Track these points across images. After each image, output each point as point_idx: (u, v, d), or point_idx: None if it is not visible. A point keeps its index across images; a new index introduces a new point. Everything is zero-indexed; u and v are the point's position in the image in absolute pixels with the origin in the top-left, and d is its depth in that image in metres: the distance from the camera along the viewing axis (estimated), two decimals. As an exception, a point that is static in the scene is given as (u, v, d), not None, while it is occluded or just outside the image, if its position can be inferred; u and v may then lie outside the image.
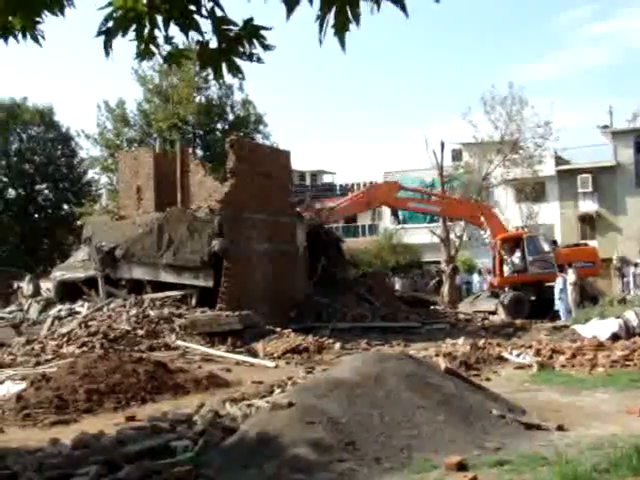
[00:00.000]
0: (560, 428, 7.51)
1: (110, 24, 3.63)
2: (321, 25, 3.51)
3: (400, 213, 28.54)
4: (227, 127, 39.74)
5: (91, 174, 45.97)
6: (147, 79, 39.35)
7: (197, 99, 39.48)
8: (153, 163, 23.66)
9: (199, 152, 39.29)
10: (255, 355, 15.29)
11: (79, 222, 24.91)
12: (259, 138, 40.34)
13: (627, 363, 12.37)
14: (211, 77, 35.57)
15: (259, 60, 3.89)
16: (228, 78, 4.04)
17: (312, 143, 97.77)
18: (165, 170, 23.50)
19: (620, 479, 5.18)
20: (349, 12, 3.52)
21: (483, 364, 13.20)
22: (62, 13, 3.86)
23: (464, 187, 35.23)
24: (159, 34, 3.73)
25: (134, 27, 3.65)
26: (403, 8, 3.46)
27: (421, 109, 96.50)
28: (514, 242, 25.50)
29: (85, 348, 15.56)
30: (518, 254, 25.08)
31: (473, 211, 26.50)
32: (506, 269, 25.29)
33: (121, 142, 39.46)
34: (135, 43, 3.75)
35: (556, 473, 5.25)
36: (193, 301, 19.43)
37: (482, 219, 25.69)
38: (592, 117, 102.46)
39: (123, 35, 3.67)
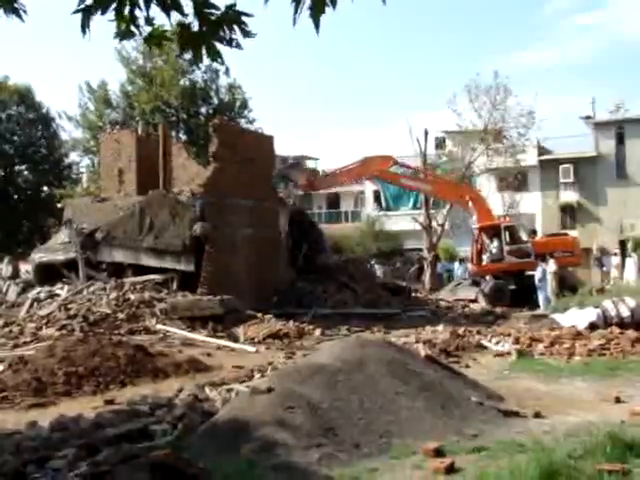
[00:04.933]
0: (537, 415, 7.59)
1: (89, 1, 3.57)
2: (297, 6, 3.47)
3: (383, 200, 28.69)
4: (211, 111, 39.50)
5: (72, 156, 45.58)
6: (130, 60, 38.96)
7: (181, 82, 39.17)
8: (135, 145, 23.45)
9: (182, 136, 39.02)
10: (236, 340, 15.28)
11: (59, 204, 24.69)
12: (243, 123, 40.17)
13: (604, 352, 12.51)
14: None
15: (238, 46, 3.84)
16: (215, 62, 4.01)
17: (296, 128, 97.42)
18: (147, 153, 23.30)
19: (594, 465, 5.24)
20: None
21: (463, 351, 13.30)
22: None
23: (447, 175, 35.33)
24: (140, 14, 3.68)
25: (114, 6, 3.59)
26: None
27: (406, 96, 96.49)
28: (493, 231, 25.64)
29: (64, 331, 15.41)
30: (496, 243, 25.24)
31: (462, 193, 26.53)
32: (484, 257, 25.46)
33: (103, 124, 39.09)
34: (115, 23, 3.70)
35: (532, 459, 5.30)
36: (174, 285, 19.33)
37: (469, 203, 25.75)
38: (575, 107, 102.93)
39: (102, 13, 3.61)
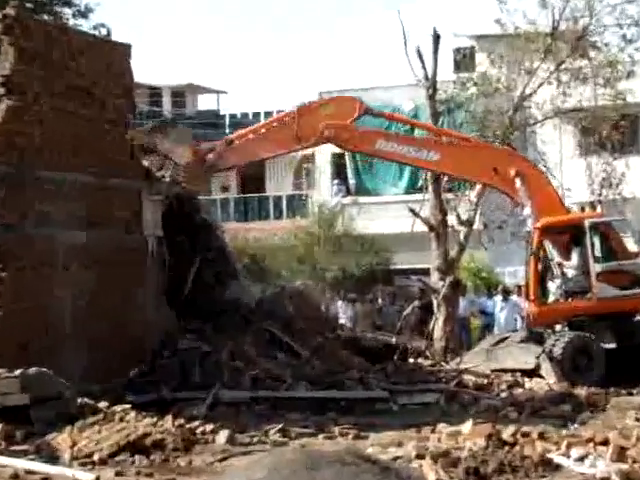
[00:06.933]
0: None
1: None
2: None
3: (351, 178, 28.34)
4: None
5: None
6: None
7: None
8: None
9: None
10: (54, 458, 15.16)
11: None
12: (71, 19, 40.03)
13: None
14: None
15: None
16: None
17: (180, 36, 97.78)
18: None
19: None
20: None
21: (513, 475, 13.32)
22: None
23: (478, 122, 35.39)
24: None
25: None
26: None
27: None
28: (568, 234, 25.63)
29: None
30: (575, 258, 25.16)
31: (500, 164, 25.71)
32: (552, 287, 25.42)
33: None
34: None
35: None
36: None
37: (517, 182, 24.94)
38: None
39: None
